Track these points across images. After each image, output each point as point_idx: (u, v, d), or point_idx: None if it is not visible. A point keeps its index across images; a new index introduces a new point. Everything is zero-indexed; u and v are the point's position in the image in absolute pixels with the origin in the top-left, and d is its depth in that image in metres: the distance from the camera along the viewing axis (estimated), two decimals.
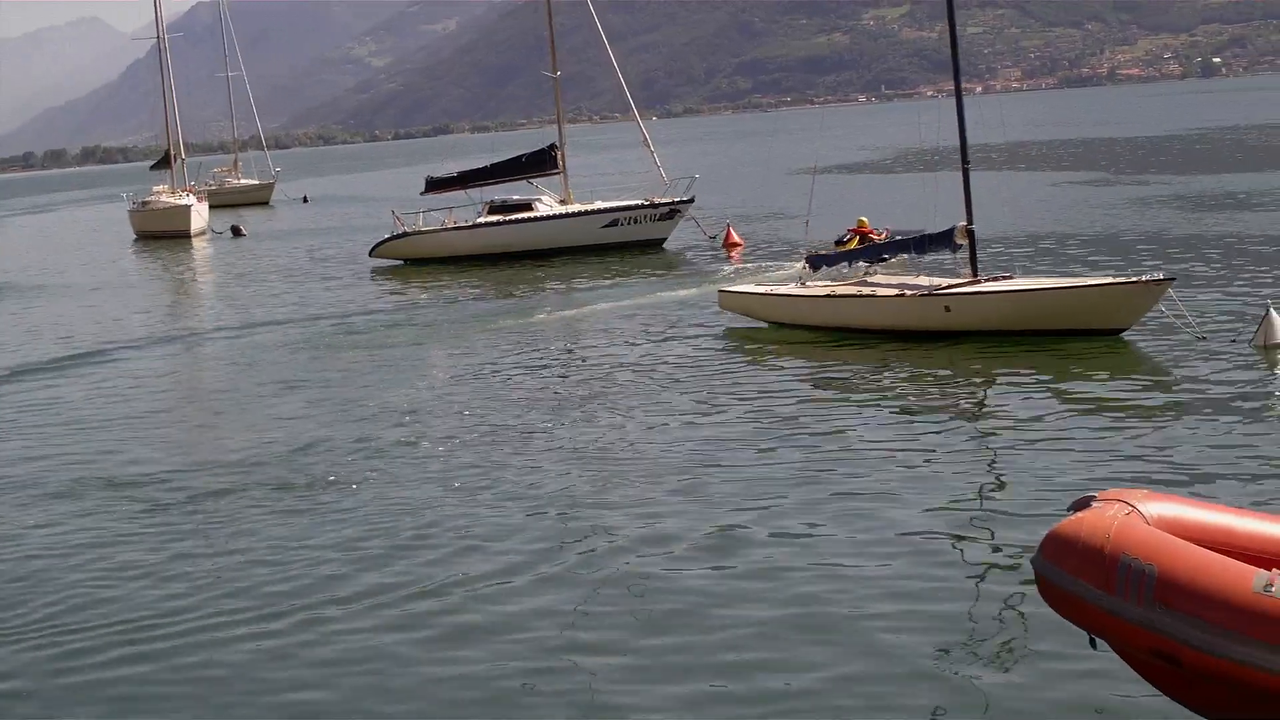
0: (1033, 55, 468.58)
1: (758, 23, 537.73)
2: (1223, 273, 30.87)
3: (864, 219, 34.06)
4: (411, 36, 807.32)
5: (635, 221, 48.25)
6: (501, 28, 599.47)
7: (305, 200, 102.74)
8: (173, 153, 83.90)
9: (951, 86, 27.09)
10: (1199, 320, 23.74)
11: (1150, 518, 8.60)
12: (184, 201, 77.08)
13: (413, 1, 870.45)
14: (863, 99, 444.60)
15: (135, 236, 76.98)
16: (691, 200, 48.93)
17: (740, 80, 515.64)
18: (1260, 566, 8.15)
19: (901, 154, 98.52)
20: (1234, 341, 22.51)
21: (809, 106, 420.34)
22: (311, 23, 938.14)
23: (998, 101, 61.69)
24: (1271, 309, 22.17)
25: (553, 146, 50.37)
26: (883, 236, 32.57)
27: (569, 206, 49.65)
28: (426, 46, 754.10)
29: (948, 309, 25.27)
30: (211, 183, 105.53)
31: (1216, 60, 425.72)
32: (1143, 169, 67.74)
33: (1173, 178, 60.08)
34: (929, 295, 25.64)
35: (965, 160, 26.65)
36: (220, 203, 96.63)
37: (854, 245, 31.52)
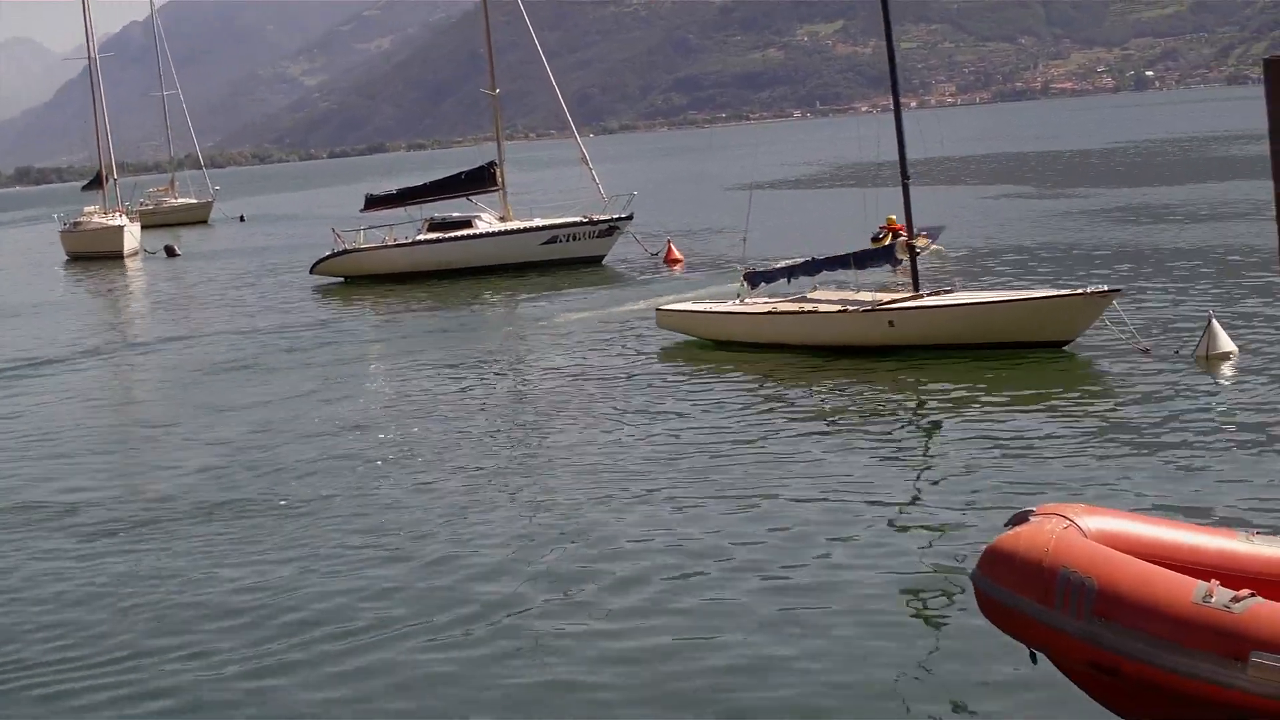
0: (967, 70, 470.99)
1: (692, 39, 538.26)
2: (1163, 284, 31.01)
3: (893, 216, 33.97)
4: (344, 55, 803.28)
5: (575, 238, 48.31)
6: (435, 45, 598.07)
7: (242, 219, 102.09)
8: (104, 173, 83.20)
9: (886, 101, 27.24)
10: (1142, 332, 23.81)
11: (1089, 531, 8.64)
12: (116, 222, 76.43)
13: (345, 20, 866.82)
14: (798, 114, 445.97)
15: (67, 258, 76.23)
16: (630, 217, 49.01)
17: (676, 96, 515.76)
18: (1199, 578, 8.21)
19: (838, 169, 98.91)
20: (1177, 353, 22.57)
21: (745, 123, 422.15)
22: (243, 42, 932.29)
23: (934, 116, 62.09)
24: (1213, 319, 22.31)
25: (491, 164, 50.34)
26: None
27: (508, 224, 49.60)
28: (360, 65, 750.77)
29: (892, 324, 25.30)
30: (147, 202, 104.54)
31: (1149, 73, 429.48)
32: (1078, 182, 68.24)
33: (1109, 190, 60.58)
34: (873, 310, 25.62)
35: (905, 175, 26.75)
36: (158, 222, 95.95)
37: (888, 242, 31.35)
